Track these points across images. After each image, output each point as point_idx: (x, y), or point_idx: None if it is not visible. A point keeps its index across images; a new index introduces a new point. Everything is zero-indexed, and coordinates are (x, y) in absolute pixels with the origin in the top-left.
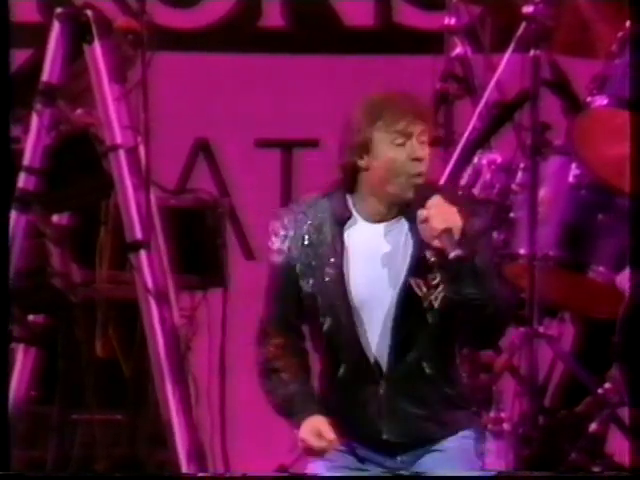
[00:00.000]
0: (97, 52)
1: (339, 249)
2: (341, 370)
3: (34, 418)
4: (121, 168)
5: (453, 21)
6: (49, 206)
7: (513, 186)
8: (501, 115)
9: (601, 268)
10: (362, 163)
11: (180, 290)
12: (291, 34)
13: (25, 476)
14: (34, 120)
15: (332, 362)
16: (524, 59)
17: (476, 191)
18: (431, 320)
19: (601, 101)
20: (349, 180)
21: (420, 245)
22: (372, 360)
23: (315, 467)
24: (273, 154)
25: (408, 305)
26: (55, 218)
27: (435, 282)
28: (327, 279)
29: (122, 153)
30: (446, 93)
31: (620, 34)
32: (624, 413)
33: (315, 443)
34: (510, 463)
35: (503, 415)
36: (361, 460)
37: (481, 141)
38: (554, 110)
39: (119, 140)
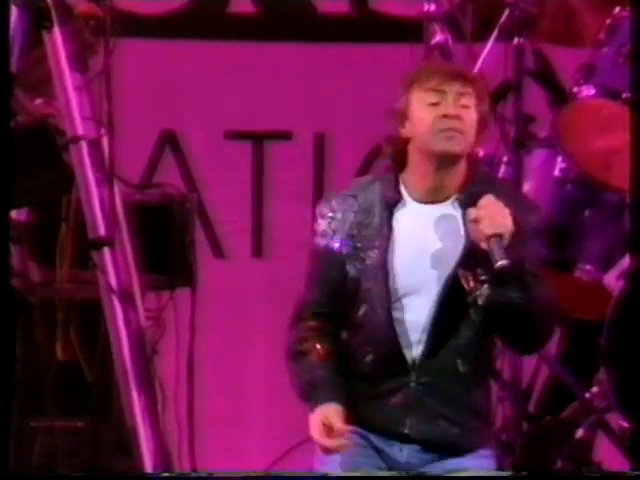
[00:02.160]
0: (57, 39)
1: (386, 233)
2: (369, 357)
3: None
4: (83, 161)
5: (432, 8)
6: None
7: None
8: None
9: (588, 267)
10: (404, 131)
11: (146, 290)
12: (262, 21)
13: (25, 476)
14: None
15: (362, 348)
16: (507, 48)
17: None
18: (474, 317)
19: (588, 91)
20: (398, 156)
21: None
22: (405, 350)
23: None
24: (243, 147)
25: (452, 297)
26: (13, 214)
27: (483, 278)
28: (369, 263)
29: (84, 145)
30: None
31: (607, 21)
32: (612, 419)
33: (318, 436)
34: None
35: None
36: (372, 449)
37: None
38: (538, 101)
39: (81, 132)
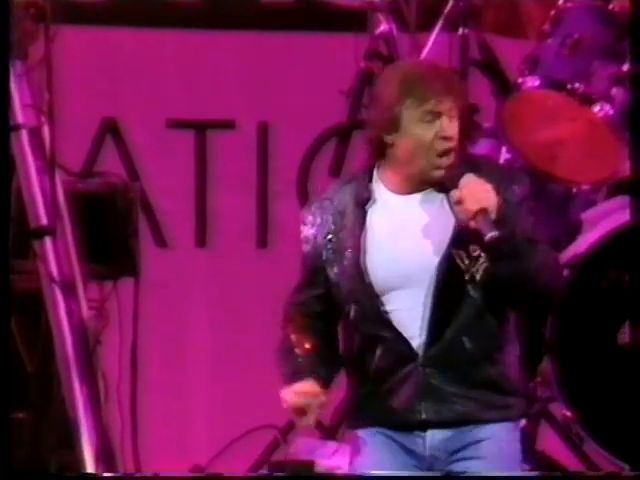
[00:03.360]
0: None
1: (357, 232)
2: (377, 353)
3: None
4: (23, 150)
5: None
6: None
7: None
8: None
9: None
10: (389, 139)
11: (88, 280)
12: (205, 9)
13: (25, 476)
14: None
15: (368, 349)
16: (452, 38)
17: None
18: (473, 293)
19: (532, 82)
20: (377, 154)
21: None
22: (406, 339)
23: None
24: (186, 135)
25: (450, 278)
26: None
27: (476, 254)
28: (346, 264)
29: (24, 134)
30: (370, 72)
31: (552, 13)
32: (555, 408)
33: (295, 399)
34: None
35: None
36: (397, 446)
37: None
38: (483, 91)
39: (21, 120)
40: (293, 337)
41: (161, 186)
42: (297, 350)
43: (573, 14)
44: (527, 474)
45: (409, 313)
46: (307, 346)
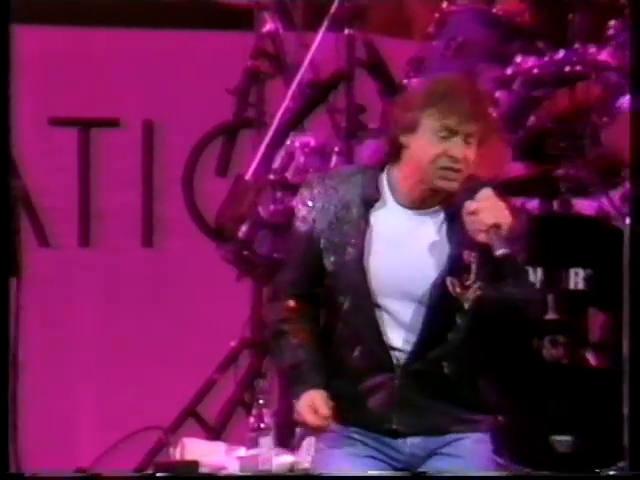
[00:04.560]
0: None
1: (362, 229)
2: (356, 352)
3: None
4: None
5: None
6: None
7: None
8: (315, 96)
9: None
10: (404, 140)
11: None
12: (91, 5)
13: (26, 476)
14: None
15: (348, 343)
16: (338, 38)
17: (289, 175)
18: (459, 321)
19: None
20: (392, 153)
21: (458, 243)
22: (389, 348)
23: (330, 457)
24: (69, 133)
25: (440, 304)
26: None
27: (468, 283)
28: (347, 258)
29: None
30: (257, 71)
31: (436, 15)
32: None
33: (309, 419)
34: None
35: None
36: (371, 445)
37: (294, 123)
38: (370, 92)
39: None
40: (286, 327)
41: (44, 184)
42: (292, 339)
43: (457, 17)
44: (527, 474)
45: (396, 324)
46: (302, 334)
